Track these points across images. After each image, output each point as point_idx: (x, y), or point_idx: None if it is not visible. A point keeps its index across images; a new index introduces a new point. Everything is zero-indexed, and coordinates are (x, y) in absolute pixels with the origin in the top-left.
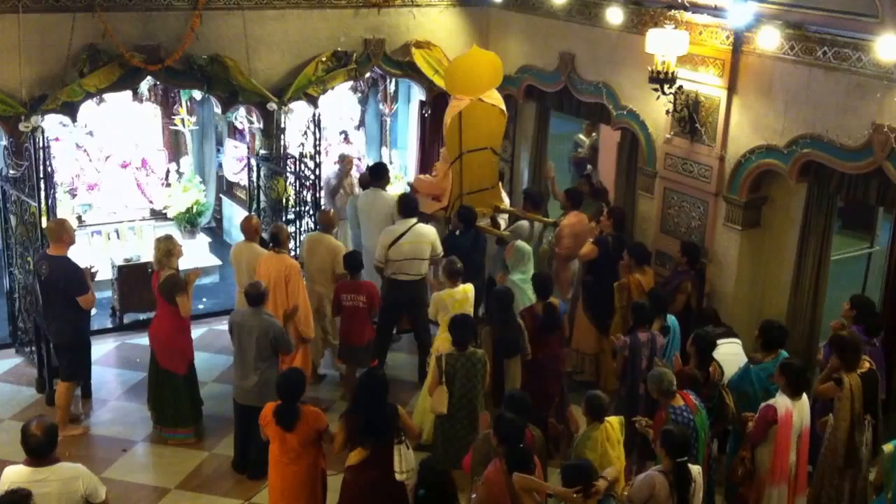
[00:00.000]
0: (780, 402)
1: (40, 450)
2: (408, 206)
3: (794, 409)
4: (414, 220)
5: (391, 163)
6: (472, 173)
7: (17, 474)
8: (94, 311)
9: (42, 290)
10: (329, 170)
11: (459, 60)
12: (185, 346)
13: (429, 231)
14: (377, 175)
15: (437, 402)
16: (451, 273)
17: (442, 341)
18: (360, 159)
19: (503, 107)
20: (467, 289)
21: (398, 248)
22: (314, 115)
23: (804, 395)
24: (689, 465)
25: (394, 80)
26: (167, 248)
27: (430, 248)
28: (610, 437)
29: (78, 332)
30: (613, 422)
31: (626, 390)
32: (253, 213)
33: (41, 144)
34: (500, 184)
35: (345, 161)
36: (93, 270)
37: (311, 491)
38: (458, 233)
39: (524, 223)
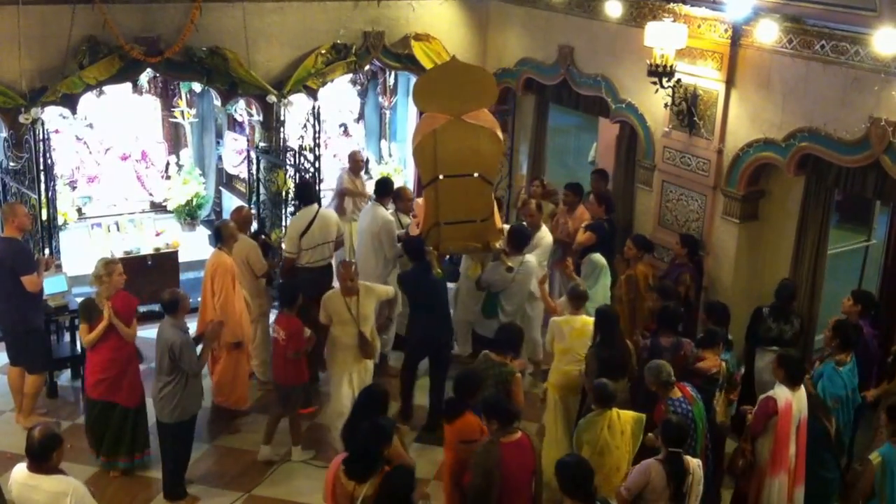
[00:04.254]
0: (780, 393)
1: (34, 454)
2: (304, 192)
3: (794, 401)
4: (316, 205)
5: (391, 155)
6: (453, 202)
7: (18, 474)
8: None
9: None
10: (340, 169)
11: (431, 73)
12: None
13: (331, 214)
14: (378, 190)
15: None
16: (571, 296)
17: (555, 372)
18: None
19: (497, 129)
20: (587, 320)
21: (311, 236)
22: (314, 107)
23: (802, 387)
24: (689, 458)
25: (393, 72)
26: (96, 272)
27: (336, 229)
28: (612, 425)
29: (24, 317)
30: (626, 416)
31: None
32: (244, 204)
33: (41, 136)
34: (496, 216)
35: (354, 160)
36: (56, 263)
37: None
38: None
39: (495, 263)
